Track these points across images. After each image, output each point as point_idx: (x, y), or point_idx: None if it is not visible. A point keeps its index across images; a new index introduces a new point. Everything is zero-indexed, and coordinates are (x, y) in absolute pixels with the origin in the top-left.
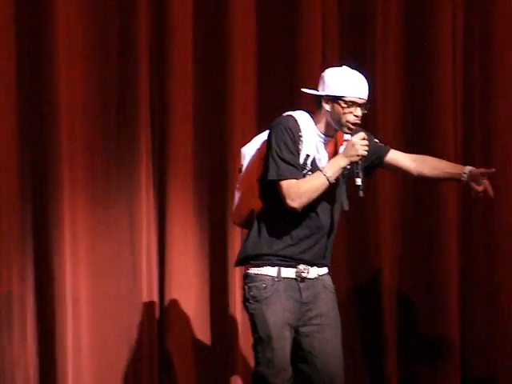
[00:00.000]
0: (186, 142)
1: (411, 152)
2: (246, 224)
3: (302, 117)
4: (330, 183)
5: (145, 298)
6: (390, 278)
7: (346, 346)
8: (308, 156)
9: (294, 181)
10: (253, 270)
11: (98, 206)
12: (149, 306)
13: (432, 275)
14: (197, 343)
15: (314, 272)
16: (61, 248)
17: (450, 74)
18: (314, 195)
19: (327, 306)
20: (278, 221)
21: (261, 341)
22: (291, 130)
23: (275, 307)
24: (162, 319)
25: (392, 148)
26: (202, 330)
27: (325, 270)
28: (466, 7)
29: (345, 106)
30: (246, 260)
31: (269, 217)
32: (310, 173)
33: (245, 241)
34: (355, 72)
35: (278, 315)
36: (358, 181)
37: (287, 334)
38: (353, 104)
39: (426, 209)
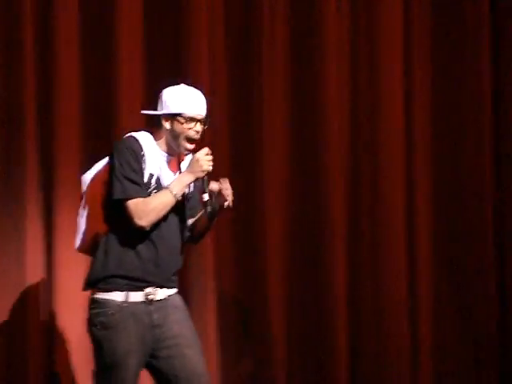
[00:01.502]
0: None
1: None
2: (92, 250)
3: (143, 136)
4: (176, 200)
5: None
6: (277, 300)
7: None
8: (152, 175)
9: (141, 199)
10: (100, 295)
11: None
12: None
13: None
14: None
15: (162, 293)
16: None
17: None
18: (162, 213)
19: (181, 326)
20: (124, 242)
21: (105, 369)
22: (133, 150)
23: (122, 334)
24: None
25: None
26: None
27: (174, 291)
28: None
29: (183, 122)
30: (95, 283)
31: (115, 238)
32: (155, 191)
33: (92, 264)
34: (192, 89)
35: (124, 342)
36: (205, 196)
37: (133, 363)
38: (191, 120)
39: (314, 225)
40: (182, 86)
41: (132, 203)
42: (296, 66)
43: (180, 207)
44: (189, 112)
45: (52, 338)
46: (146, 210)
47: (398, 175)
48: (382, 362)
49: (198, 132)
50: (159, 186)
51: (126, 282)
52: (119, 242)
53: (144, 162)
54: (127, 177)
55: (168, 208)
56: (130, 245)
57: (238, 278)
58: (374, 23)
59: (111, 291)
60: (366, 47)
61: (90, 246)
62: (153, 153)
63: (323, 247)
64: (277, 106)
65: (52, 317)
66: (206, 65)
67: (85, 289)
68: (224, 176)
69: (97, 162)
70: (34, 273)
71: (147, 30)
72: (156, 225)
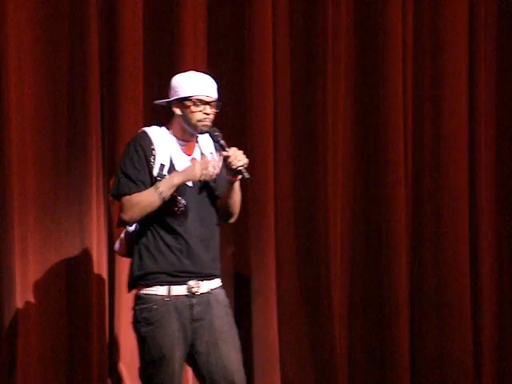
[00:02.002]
0: None
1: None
2: (129, 252)
3: (154, 130)
4: (163, 199)
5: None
6: (339, 297)
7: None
8: (163, 165)
9: (129, 196)
10: (143, 291)
11: (48, 218)
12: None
13: (381, 293)
14: None
15: (205, 286)
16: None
17: (400, 79)
18: (147, 209)
19: (221, 321)
20: (154, 238)
21: (152, 363)
22: (140, 145)
23: (166, 329)
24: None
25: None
26: None
27: (217, 283)
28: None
29: (192, 105)
30: (136, 282)
31: (146, 237)
32: None
33: (130, 266)
34: (201, 73)
35: (169, 337)
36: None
37: (178, 355)
38: (201, 103)
39: (376, 224)
40: (191, 71)
41: (123, 199)
42: (360, 65)
43: (206, 193)
44: (196, 94)
45: (112, 325)
46: (130, 205)
47: (460, 181)
48: (444, 359)
49: (208, 114)
50: None
51: (164, 276)
52: (150, 239)
53: (153, 156)
54: (125, 173)
55: (153, 206)
56: (160, 240)
57: (300, 278)
58: (438, 27)
59: (153, 286)
60: (430, 48)
61: (128, 248)
62: (164, 144)
63: (385, 247)
64: (340, 108)
65: (114, 308)
66: (270, 62)
67: (129, 290)
68: (287, 173)
69: None
70: (98, 262)
71: (210, 27)
72: (182, 215)
